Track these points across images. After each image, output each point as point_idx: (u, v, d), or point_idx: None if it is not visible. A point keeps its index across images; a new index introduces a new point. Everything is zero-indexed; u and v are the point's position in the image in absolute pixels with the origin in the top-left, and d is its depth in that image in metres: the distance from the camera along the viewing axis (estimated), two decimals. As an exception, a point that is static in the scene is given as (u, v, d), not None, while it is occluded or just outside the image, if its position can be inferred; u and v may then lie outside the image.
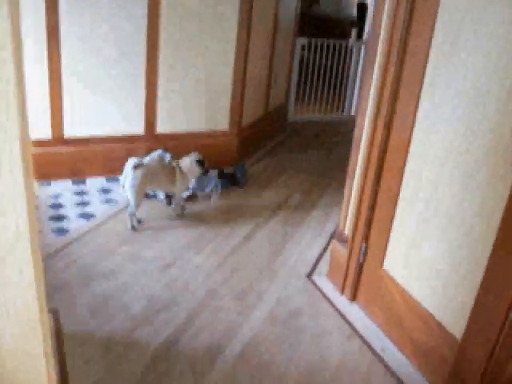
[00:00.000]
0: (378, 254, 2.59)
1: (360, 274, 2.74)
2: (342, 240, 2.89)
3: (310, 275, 3.01)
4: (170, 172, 3.43)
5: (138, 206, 3.29)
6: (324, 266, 3.08)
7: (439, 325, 2.17)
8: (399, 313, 2.43)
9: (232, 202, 3.90)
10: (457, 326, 2.07)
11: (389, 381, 2.24)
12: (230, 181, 4.12)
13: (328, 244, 3.36)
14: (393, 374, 2.27)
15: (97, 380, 2.09)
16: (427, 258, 2.25)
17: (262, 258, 3.16)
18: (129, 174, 3.20)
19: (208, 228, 3.45)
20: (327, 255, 3.17)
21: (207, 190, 3.90)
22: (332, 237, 3.28)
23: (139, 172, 3.20)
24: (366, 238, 2.67)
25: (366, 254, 2.69)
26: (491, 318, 1.86)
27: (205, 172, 3.60)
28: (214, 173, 3.98)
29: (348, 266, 2.79)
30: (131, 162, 3.25)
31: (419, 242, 2.30)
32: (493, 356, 1.87)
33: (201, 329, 2.45)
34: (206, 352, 2.30)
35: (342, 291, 2.84)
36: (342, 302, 2.78)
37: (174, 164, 3.47)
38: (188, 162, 3.48)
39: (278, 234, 3.48)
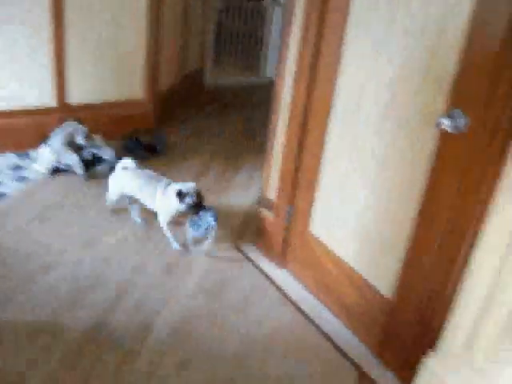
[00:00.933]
0: (304, 217, 2.58)
1: (287, 238, 2.73)
2: (267, 205, 2.87)
3: (237, 244, 3.00)
4: (152, 184, 2.88)
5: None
6: (251, 233, 3.08)
7: (369, 286, 2.20)
8: (329, 276, 2.45)
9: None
10: (387, 287, 2.10)
11: (325, 345, 2.28)
12: (149, 151, 3.99)
13: (254, 210, 3.35)
14: (328, 338, 2.31)
15: (21, 373, 1.97)
16: (352, 217, 2.26)
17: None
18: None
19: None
20: (254, 222, 3.16)
21: (193, 234, 2.92)
22: (257, 202, 3.28)
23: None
24: (292, 200, 2.65)
25: (292, 217, 2.67)
26: (422, 277, 1.90)
27: (190, 211, 2.80)
28: (209, 213, 2.86)
29: (275, 231, 2.79)
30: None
31: (344, 201, 2.31)
32: (424, 316, 1.92)
33: (130, 307, 2.39)
34: (137, 331, 2.25)
35: (271, 258, 2.84)
36: (271, 269, 2.79)
37: (164, 180, 2.88)
38: (172, 191, 2.77)
39: (204, 203, 3.42)
